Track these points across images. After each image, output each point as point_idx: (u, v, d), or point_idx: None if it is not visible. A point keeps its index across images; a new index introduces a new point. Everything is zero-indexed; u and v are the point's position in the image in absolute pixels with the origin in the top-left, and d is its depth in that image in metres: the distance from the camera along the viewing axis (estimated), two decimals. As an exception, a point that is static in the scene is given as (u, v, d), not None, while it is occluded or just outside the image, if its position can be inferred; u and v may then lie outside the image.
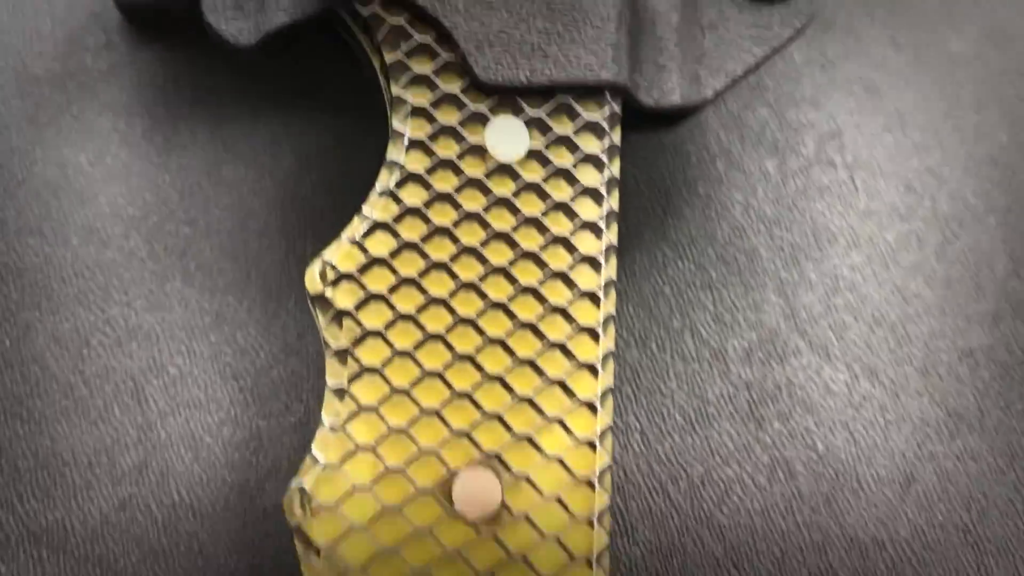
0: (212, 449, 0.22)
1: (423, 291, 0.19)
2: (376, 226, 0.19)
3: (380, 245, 0.19)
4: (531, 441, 0.18)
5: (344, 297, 0.19)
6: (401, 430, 0.18)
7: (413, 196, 0.19)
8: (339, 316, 0.18)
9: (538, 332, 0.19)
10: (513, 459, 0.18)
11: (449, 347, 0.18)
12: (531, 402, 0.18)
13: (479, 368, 0.18)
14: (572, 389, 0.19)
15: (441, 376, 0.18)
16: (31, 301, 0.23)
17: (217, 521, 0.21)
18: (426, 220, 0.19)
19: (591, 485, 0.18)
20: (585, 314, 0.19)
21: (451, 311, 0.19)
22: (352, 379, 0.18)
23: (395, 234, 0.19)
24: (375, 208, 0.19)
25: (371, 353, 0.18)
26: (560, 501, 0.18)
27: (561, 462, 0.18)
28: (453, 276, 0.19)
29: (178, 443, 0.22)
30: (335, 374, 0.18)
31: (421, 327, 0.19)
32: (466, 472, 0.18)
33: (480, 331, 0.19)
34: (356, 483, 0.18)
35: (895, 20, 0.27)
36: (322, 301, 0.19)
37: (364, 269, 0.19)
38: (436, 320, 0.19)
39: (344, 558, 0.17)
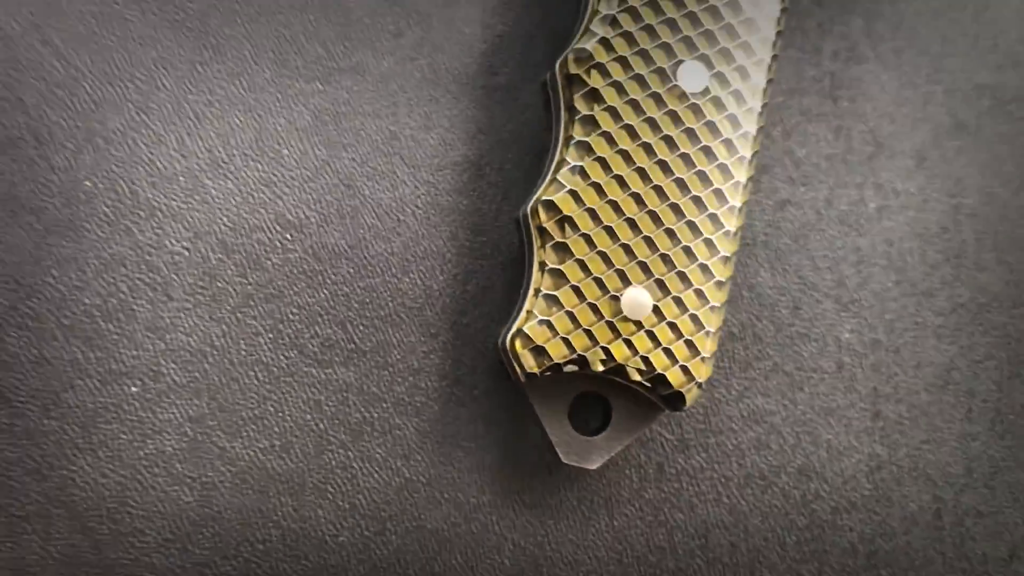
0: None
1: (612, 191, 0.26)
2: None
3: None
4: (683, 275, 0.26)
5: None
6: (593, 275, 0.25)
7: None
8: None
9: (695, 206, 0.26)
10: (670, 285, 0.26)
11: (634, 227, 0.26)
12: (687, 249, 0.26)
13: (651, 233, 0.26)
14: (716, 246, 0.26)
15: (627, 247, 0.26)
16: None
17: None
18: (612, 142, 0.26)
19: (716, 310, 0.26)
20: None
21: (639, 202, 0.26)
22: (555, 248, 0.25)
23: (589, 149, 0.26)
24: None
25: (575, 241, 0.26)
26: (694, 317, 0.26)
27: (700, 292, 0.26)
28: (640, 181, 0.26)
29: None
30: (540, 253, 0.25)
31: (616, 208, 0.26)
32: (632, 288, 0.26)
33: (656, 219, 0.26)
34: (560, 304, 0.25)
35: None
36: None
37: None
38: (626, 205, 0.26)
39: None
